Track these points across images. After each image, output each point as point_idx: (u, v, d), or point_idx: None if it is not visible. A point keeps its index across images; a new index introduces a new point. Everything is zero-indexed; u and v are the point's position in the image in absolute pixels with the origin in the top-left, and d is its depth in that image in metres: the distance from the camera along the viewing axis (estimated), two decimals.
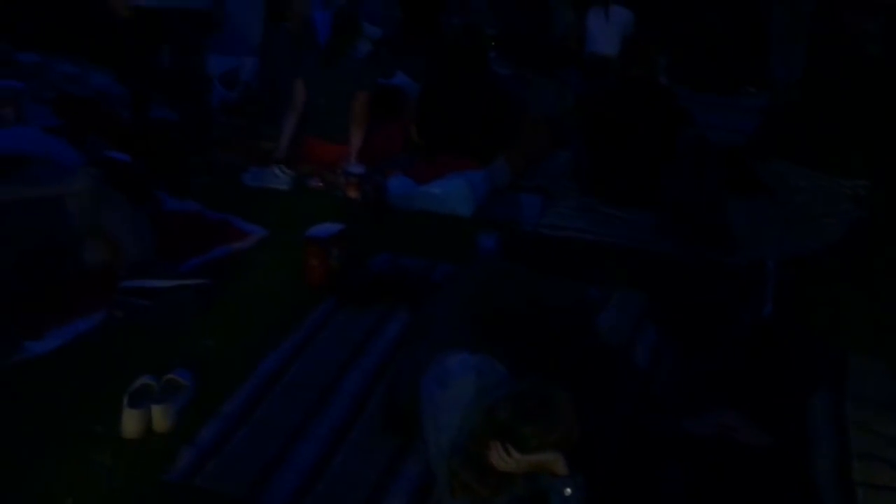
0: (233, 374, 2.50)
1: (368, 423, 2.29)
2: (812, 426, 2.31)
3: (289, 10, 4.84)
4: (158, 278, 2.80)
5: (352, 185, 3.93)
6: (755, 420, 2.29)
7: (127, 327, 2.73)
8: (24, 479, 2.07)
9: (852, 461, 2.17)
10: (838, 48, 5.79)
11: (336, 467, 2.13)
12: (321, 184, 4.08)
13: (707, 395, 2.42)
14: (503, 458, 1.79)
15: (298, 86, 4.33)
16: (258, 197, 3.91)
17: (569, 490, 1.79)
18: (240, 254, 3.32)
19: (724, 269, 3.17)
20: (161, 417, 2.25)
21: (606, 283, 3.06)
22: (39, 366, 2.54)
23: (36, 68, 5.83)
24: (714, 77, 5.94)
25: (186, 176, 3.99)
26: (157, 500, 2.03)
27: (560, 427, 1.79)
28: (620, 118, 3.86)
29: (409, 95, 4.86)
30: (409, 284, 2.98)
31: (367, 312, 2.87)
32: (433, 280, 3.07)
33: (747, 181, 3.94)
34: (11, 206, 2.79)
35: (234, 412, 2.33)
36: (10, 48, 6.04)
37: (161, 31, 4.04)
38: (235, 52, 5.62)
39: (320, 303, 2.92)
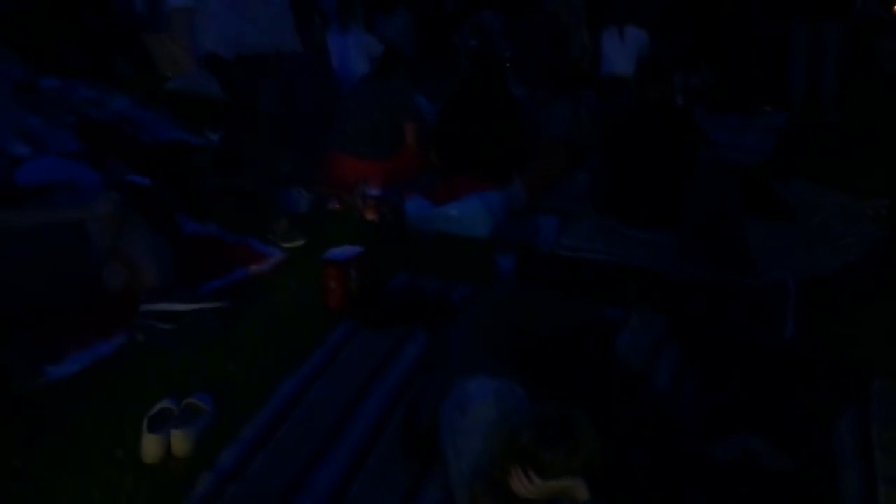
0: (252, 397, 2.51)
1: (388, 449, 2.28)
2: (837, 450, 2.28)
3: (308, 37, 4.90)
4: (178, 301, 2.81)
5: (370, 208, 3.95)
6: (779, 445, 2.26)
7: (147, 350, 2.75)
8: None
9: (878, 486, 2.13)
10: (862, 67, 5.77)
11: (355, 492, 2.12)
12: (339, 206, 4.09)
13: (729, 420, 2.39)
14: (524, 484, 1.78)
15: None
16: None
17: None
18: (259, 276, 3.34)
19: (743, 291, 3.15)
20: (181, 442, 2.25)
21: (625, 304, 3.04)
22: (60, 389, 2.56)
23: (57, 93, 5.92)
24: (731, 96, 5.93)
25: (206, 199, 4.02)
26: None
27: (581, 452, 1.77)
28: (638, 139, 3.85)
29: (426, 117, 4.90)
30: (427, 306, 2.97)
31: (386, 335, 2.86)
32: (451, 302, 3.07)
33: (766, 201, 3.91)
34: (33, 232, 2.82)
35: (254, 437, 2.33)
36: (32, 74, 6.14)
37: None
38: None
39: (339, 325, 2.92)
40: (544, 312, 2.50)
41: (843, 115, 5.62)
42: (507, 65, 6.40)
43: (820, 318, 2.92)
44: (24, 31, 6.63)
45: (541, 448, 1.76)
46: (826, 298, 3.09)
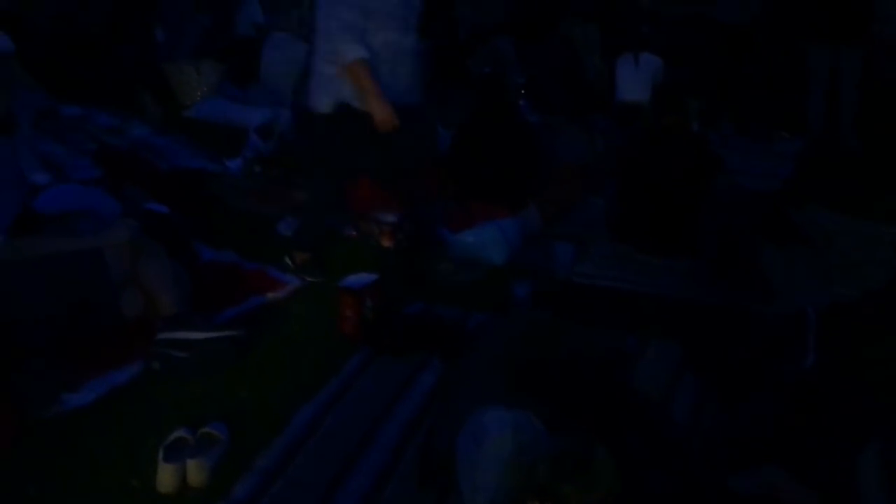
0: (268, 426, 2.50)
1: (404, 479, 2.26)
2: (860, 484, 2.23)
3: None
4: (194, 329, 2.82)
5: (385, 234, 3.96)
6: (801, 477, 2.22)
7: (163, 379, 2.74)
8: None
9: None
10: (880, 92, 5.74)
11: None
12: (355, 232, 4.10)
13: (750, 452, 2.36)
14: None
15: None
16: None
17: None
18: (275, 303, 3.34)
19: (762, 319, 3.12)
20: (196, 472, 2.24)
21: (642, 333, 3.02)
22: (76, 418, 2.55)
23: (78, 120, 6.00)
24: (747, 122, 5.92)
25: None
26: None
27: (600, 486, 1.75)
28: (653, 166, 3.85)
29: (440, 143, 4.91)
30: (443, 334, 2.96)
31: (402, 363, 2.85)
32: (467, 330, 3.05)
33: (783, 228, 3.88)
34: (52, 259, 2.84)
35: (269, 466, 2.32)
36: (54, 101, 6.22)
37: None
38: (271, 104, 5.75)
39: (354, 353, 2.92)
40: (561, 341, 2.48)
41: (861, 141, 5.59)
42: (522, 91, 6.42)
43: (841, 347, 2.88)
44: (46, 58, 6.73)
45: (559, 482, 1.74)
46: (847, 327, 3.05)
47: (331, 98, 3.30)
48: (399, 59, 3.31)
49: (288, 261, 3.60)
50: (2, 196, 2.92)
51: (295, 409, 2.58)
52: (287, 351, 2.97)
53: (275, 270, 3.57)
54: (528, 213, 4.11)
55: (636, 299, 3.39)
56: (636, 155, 3.98)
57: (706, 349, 2.90)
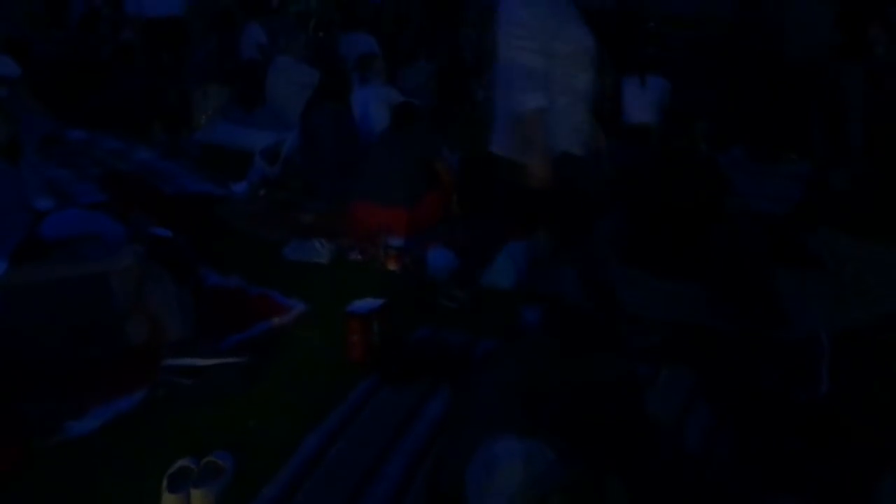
0: (274, 454, 2.46)
1: None
2: None
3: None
4: (200, 356, 2.79)
5: (392, 258, 3.93)
6: None
7: (168, 406, 2.71)
8: None
9: None
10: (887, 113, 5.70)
11: None
12: (361, 256, 4.08)
13: (764, 480, 2.31)
14: None
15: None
16: (299, 270, 3.91)
17: None
18: (281, 329, 3.31)
19: (775, 345, 3.07)
20: (200, 502, 2.20)
21: (653, 358, 2.97)
22: (79, 446, 2.52)
23: (84, 145, 6.03)
24: (755, 145, 5.90)
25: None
26: None
27: None
28: (662, 189, 3.82)
29: (447, 166, 4.91)
30: (451, 361, 2.93)
31: (409, 390, 2.81)
32: (476, 355, 3.02)
33: (794, 251, 3.85)
34: (57, 285, 2.82)
35: (275, 496, 2.28)
36: (60, 125, 6.25)
37: None
38: (277, 128, 5.76)
39: (361, 380, 2.88)
40: (571, 368, 2.44)
41: (870, 164, 5.56)
42: None
43: (855, 374, 2.84)
44: (53, 83, 6.77)
45: None
46: (861, 353, 3.01)
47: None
48: (578, 104, 3.10)
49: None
50: (6, 221, 2.91)
51: (301, 437, 2.54)
52: (293, 377, 2.93)
53: (280, 295, 3.54)
54: (537, 236, 4.07)
55: (646, 324, 3.35)
56: (645, 178, 3.95)
57: (718, 375, 2.86)
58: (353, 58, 6.80)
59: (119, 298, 2.89)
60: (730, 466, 2.40)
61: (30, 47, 7.64)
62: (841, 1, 5.63)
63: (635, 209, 3.92)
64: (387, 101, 5.28)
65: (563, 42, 2.90)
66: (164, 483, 2.23)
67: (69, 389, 2.72)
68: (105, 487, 2.32)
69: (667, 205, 3.75)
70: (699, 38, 8.68)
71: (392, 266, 3.91)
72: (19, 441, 2.47)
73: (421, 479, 2.33)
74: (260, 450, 2.49)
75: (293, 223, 4.51)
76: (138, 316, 2.94)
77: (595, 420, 2.29)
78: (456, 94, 7.24)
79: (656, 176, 3.88)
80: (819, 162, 5.73)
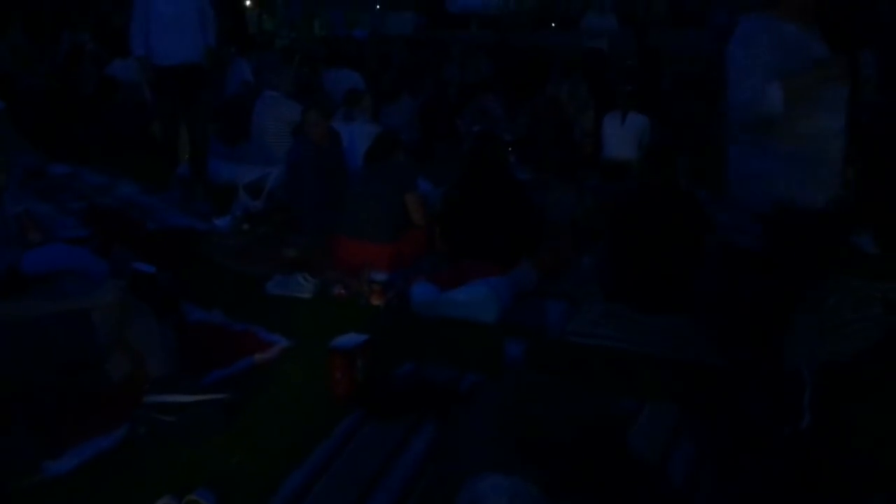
0: (256, 492, 2.43)
1: None
2: None
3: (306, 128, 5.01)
4: (182, 393, 2.76)
5: (375, 293, 3.93)
6: None
7: (149, 444, 2.67)
8: None
9: None
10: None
11: None
12: (344, 291, 4.07)
13: None
14: None
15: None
16: (282, 305, 3.90)
17: None
18: (264, 365, 3.28)
19: (757, 378, 3.08)
20: None
21: (637, 393, 2.98)
22: (57, 486, 2.48)
23: (66, 179, 6.01)
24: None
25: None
26: None
27: None
28: (643, 224, 3.86)
29: (430, 201, 4.93)
30: (435, 396, 2.91)
31: (394, 426, 2.79)
32: (460, 391, 3.00)
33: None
34: (38, 321, 2.79)
35: None
36: (42, 159, 6.24)
37: None
38: (261, 162, 5.77)
39: (345, 416, 2.86)
40: (555, 405, 2.45)
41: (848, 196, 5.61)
42: (510, 149, 6.48)
43: (837, 407, 2.86)
44: (36, 118, 6.77)
45: None
46: (841, 387, 3.03)
47: (825, 193, 2.85)
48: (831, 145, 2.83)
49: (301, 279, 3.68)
50: None
51: (285, 474, 2.52)
52: (276, 414, 2.91)
53: (263, 331, 3.52)
54: (521, 270, 4.10)
55: (630, 358, 3.36)
56: (626, 213, 3.99)
57: (702, 410, 2.87)
58: (337, 94, 6.86)
59: (100, 335, 2.87)
60: (714, 501, 2.40)
61: (14, 81, 7.65)
62: (827, 23, 5.67)
63: (617, 244, 3.95)
64: (371, 137, 5.31)
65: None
66: None
67: (47, 427, 2.68)
68: None
69: (648, 239, 3.79)
70: (682, 75, 8.85)
71: (376, 301, 3.91)
72: None
73: None
74: (243, 487, 2.46)
75: (277, 258, 4.50)
76: (119, 352, 2.91)
77: (579, 457, 2.29)
78: (440, 130, 7.30)
79: (637, 211, 3.92)
80: None
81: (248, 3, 15.90)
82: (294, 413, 2.92)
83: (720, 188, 5.68)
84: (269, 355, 3.35)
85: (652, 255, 3.77)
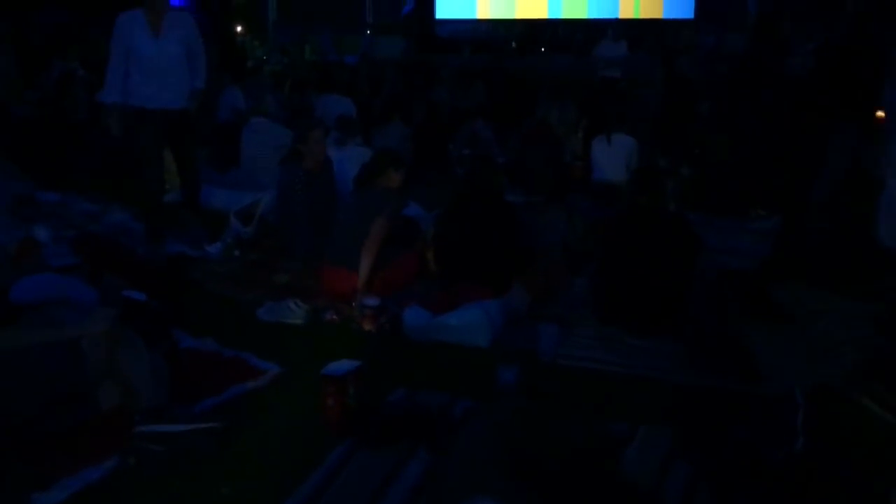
0: None
1: None
2: None
3: (305, 148, 4.99)
4: (172, 422, 2.74)
5: (367, 318, 3.92)
6: None
7: (139, 475, 2.65)
8: None
9: None
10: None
11: None
12: (336, 317, 4.06)
13: None
14: None
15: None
16: (273, 332, 3.88)
17: None
18: (255, 393, 3.26)
19: (750, 401, 3.09)
20: None
21: (630, 416, 2.97)
22: None
23: (56, 206, 5.99)
24: (722, 201, 6.00)
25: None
26: None
27: None
28: (632, 246, 3.87)
29: (422, 225, 4.94)
30: (428, 423, 2.90)
31: (387, 453, 2.78)
32: (453, 416, 2.99)
33: (766, 307, 3.90)
34: (26, 352, 2.77)
35: None
36: (31, 187, 6.22)
37: None
38: (252, 189, 5.78)
39: (337, 444, 2.84)
40: (548, 430, 2.44)
41: (831, 221, 5.64)
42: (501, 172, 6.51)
43: (830, 429, 2.86)
44: (26, 145, 6.76)
45: None
46: (834, 409, 3.04)
47: None
48: None
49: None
50: None
51: (277, 503, 2.49)
52: (268, 443, 2.89)
53: (254, 358, 3.51)
54: (513, 293, 4.10)
55: (623, 381, 3.36)
56: (616, 235, 4.01)
57: (696, 433, 2.86)
58: (329, 119, 6.89)
59: (91, 364, 2.85)
60: None
61: (4, 108, 7.65)
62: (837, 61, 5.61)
63: (608, 267, 3.96)
64: (363, 161, 5.33)
65: None
66: None
67: (36, 459, 2.65)
68: None
69: (638, 262, 3.80)
70: (665, 96, 8.89)
71: (368, 326, 3.90)
72: None
73: None
74: None
75: (268, 284, 4.49)
76: (110, 381, 2.89)
77: (573, 481, 2.28)
78: (432, 154, 7.33)
79: (627, 233, 3.93)
80: (791, 217, 5.80)
81: (238, 28, 15.98)
82: (285, 441, 2.90)
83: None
84: (260, 382, 3.33)
85: (643, 278, 3.78)
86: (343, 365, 3.06)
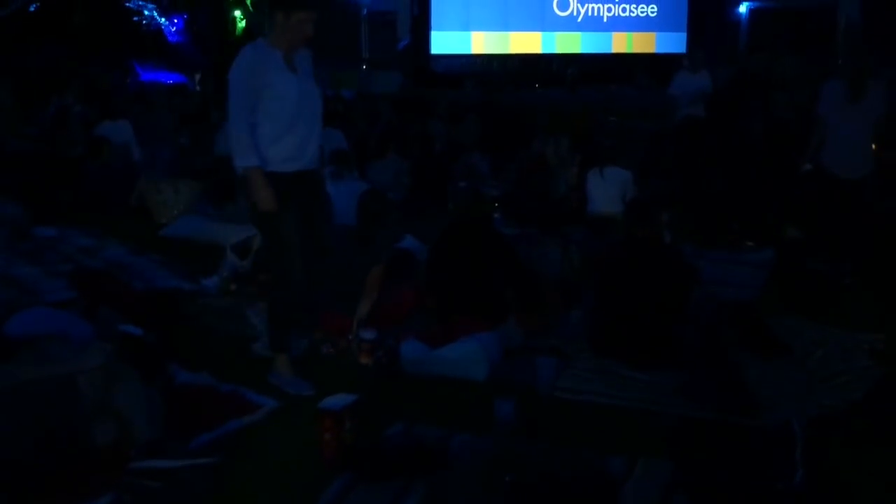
0: None
1: None
2: None
3: None
4: (169, 458, 2.72)
5: (364, 352, 3.91)
6: None
7: None
8: None
9: None
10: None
11: None
12: (333, 350, 4.05)
13: None
14: None
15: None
16: (269, 367, 3.86)
17: None
18: (251, 427, 3.24)
19: (749, 433, 3.08)
20: None
21: (629, 449, 2.96)
22: None
23: (52, 241, 5.99)
24: (715, 233, 6.02)
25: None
26: None
27: None
28: (628, 279, 3.88)
29: (419, 259, 4.94)
30: (426, 457, 2.88)
31: (384, 488, 2.75)
32: (450, 451, 2.97)
33: (763, 339, 3.90)
34: (22, 386, 2.76)
35: None
36: (29, 221, 6.23)
37: None
38: (248, 222, 5.77)
39: (335, 479, 2.82)
40: (546, 465, 2.43)
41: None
42: (496, 204, 6.54)
43: (829, 460, 2.85)
44: (24, 180, 6.78)
45: None
46: (833, 440, 3.03)
47: None
48: None
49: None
50: None
51: None
52: (265, 477, 2.86)
53: (250, 393, 3.49)
54: (508, 325, 4.10)
55: (621, 414, 3.35)
56: (610, 268, 4.02)
57: (695, 466, 2.85)
58: (324, 152, 6.93)
59: (86, 399, 2.83)
60: None
61: (2, 143, 7.69)
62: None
63: (604, 299, 3.96)
64: (359, 194, 5.36)
65: None
66: None
67: (31, 496, 2.62)
68: None
69: (635, 294, 3.81)
70: (660, 131, 8.96)
71: (365, 359, 3.88)
72: None
73: None
74: None
75: (264, 318, 4.47)
76: (105, 417, 2.87)
77: None
78: (430, 187, 7.36)
79: (622, 266, 3.95)
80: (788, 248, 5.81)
81: None
82: (283, 476, 2.88)
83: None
84: (257, 417, 3.31)
85: (639, 309, 3.78)
86: (340, 399, 3.04)
